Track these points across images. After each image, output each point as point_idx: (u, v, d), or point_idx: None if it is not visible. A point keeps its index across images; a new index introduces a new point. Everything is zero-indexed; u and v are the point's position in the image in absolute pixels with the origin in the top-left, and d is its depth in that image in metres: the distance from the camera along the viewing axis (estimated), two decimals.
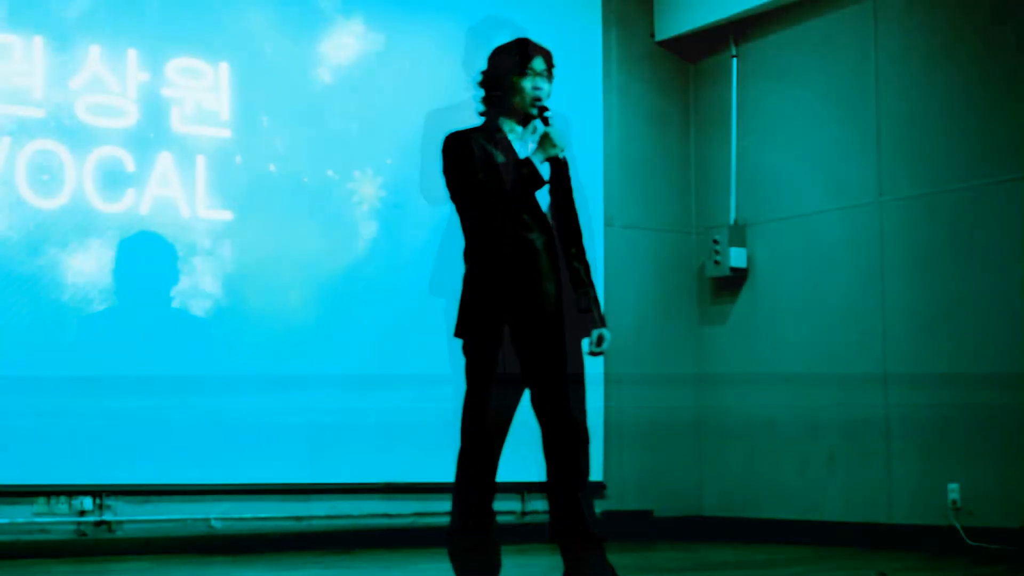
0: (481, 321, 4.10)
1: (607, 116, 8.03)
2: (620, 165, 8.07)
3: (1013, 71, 6.59)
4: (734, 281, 7.99)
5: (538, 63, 4.18)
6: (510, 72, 4.18)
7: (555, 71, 4.25)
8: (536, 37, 4.64)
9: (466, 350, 4.15)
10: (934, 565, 5.79)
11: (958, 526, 6.57)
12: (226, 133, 6.86)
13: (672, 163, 8.33)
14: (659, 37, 8.30)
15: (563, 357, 4.14)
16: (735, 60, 8.10)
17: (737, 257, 7.86)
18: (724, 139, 8.13)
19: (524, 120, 4.20)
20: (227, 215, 6.84)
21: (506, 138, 4.17)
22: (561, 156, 4.14)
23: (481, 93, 4.26)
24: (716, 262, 7.93)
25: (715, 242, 7.94)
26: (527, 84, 4.16)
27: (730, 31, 8.10)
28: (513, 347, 4.10)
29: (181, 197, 6.72)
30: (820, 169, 7.55)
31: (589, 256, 4.46)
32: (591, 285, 4.34)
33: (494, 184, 4.05)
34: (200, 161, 6.77)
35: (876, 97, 7.23)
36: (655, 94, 8.31)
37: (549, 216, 4.17)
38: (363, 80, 7.25)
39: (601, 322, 4.31)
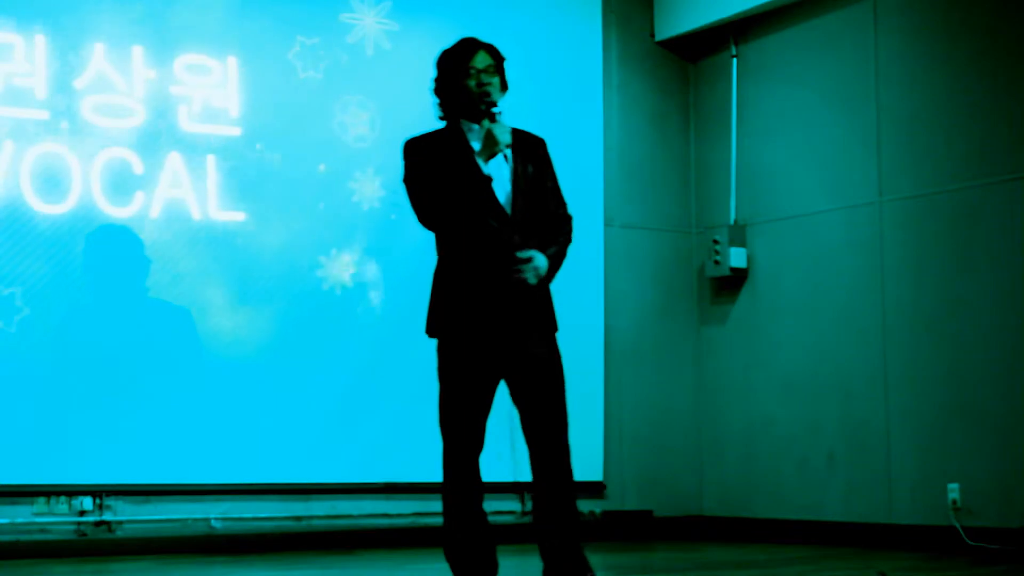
0: (452, 322, 4.10)
1: (607, 116, 8.02)
2: (620, 165, 8.06)
3: (1013, 71, 6.59)
4: (734, 281, 7.98)
5: (480, 60, 4.14)
6: (456, 75, 4.15)
7: (504, 63, 4.19)
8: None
9: (440, 350, 4.15)
10: (934, 565, 5.79)
11: (958, 526, 6.57)
12: (235, 132, 6.87)
13: (672, 163, 8.33)
14: (659, 37, 8.29)
15: (542, 353, 4.15)
16: (735, 60, 8.09)
17: (737, 257, 7.86)
18: (724, 139, 8.13)
19: (478, 118, 4.15)
20: (233, 215, 6.84)
21: (463, 138, 4.15)
22: (507, 152, 4.08)
23: (437, 100, 4.24)
24: (716, 262, 7.92)
25: (715, 242, 7.94)
26: (472, 83, 4.12)
27: (730, 31, 8.09)
28: (495, 345, 4.09)
29: (191, 198, 6.73)
30: (820, 169, 7.55)
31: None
32: (559, 242, 4.22)
33: (448, 185, 4.02)
34: (210, 161, 6.79)
35: (876, 97, 7.23)
36: (655, 94, 8.30)
37: (511, 206, 4.11)
38: (364, 79, 7.25)
39: (540, 248, 4.13)
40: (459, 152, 4.09)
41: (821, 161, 7.55)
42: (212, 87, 6.82)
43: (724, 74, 8.17)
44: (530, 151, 4.20)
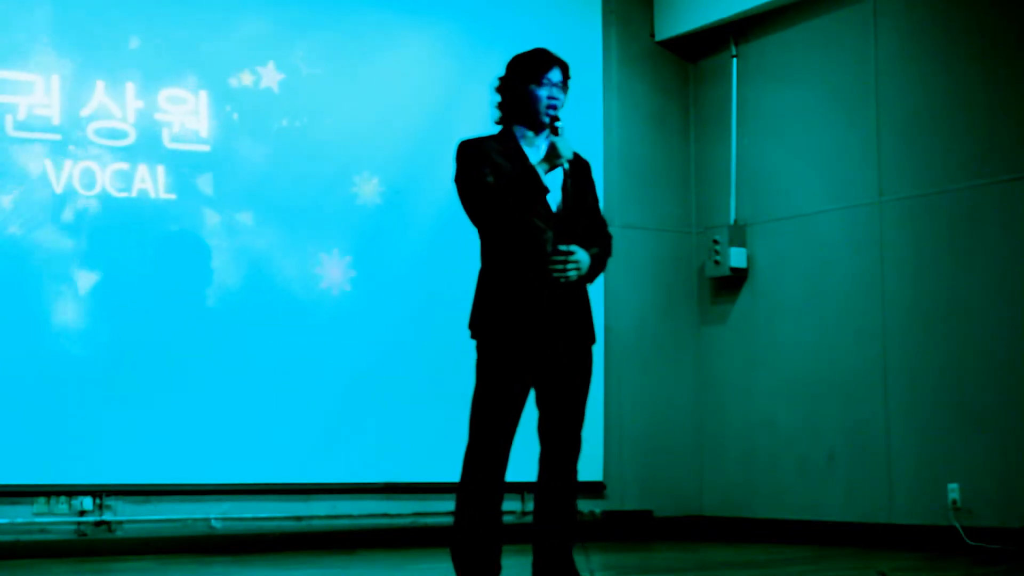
0: (497, 324, 4.13)
1: (607, 116, 8.03)
2: (620, 165, 8.06)
3: (1013, 71, 6.59)
4: (734, 281, 7.98)
5: (555, 74, 4.25)
6: (527, 81, 4.23)
7: (570, 82, 4.30)
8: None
9: (480, 349, 4.18)
10: (934, 565, 5.79)
11: (958, 526, 6.57)
12: (223, 135, 6.87)
13: (672, 163, 8.33)
14: (659, 37, 8.30)
15: (578, 360, 4.23)
16: (735, 60, 8.10)
17: (737, 257, 7.86)
18: (724, 139, 8.13)
19: (537, 128, 4.26)
20: (225, 216, 6.84)
21: (518, 145, 4.24)
22: (566, 166, 4.18)
23: (497, 99, 4.30)
24: (716, 262, 7.92)
25: (715, 242, 7.94)
26: (542, 93, 4.22)
27: (730, 31, 8.09)
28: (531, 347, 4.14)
29: (185, 202, 6.74)
30: (820, 169, 7.55)
31: None
32: (601, 246, 4.33)
33: (503, 189, 4.09)
34: (200, 163, 6.80)
35: (876, 97, 7.23)
36: (655, 94, 8.30)
37: (561, 217, 4.20)
38: (363, 80, 7.25)
39: (585, 247, 4.22)
40: (514, 158, 4.18)
41: (821, 161, 7.55)
42: (188, 113, 6.83)
43: (724, 74, 8.17)
44: (578, 170, 4.30)
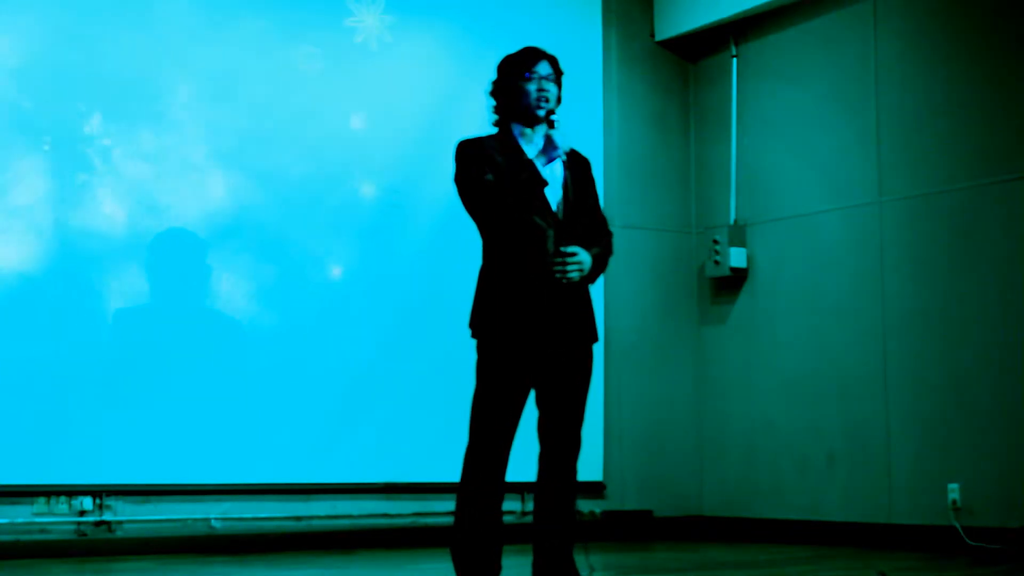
0: (497, 323, 4.13)
1: (607, 116, 8.03)
2: (620, 165, 8.06)
3: (1013, 71, 6.59)
4: (734, 281, 7.98)
5: (543, 67, 4.27)
6: (515, 77, 4.26)
7: (563, 78, 4.31)
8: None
9: (480, 349, 4.18)
10: (934, 565, 5.79)
11: (958, 526, 6.57)
12: (220, 133, 6.88)
13: (672, 163, 8.33)
14: (659, 37, 8.30)
15: (579, 360, 4.23)
16: (735, 60, 8.10)
17: (737, 257, 7.86)
18: (724, 139, 8.13)
19: (532, 123, 4.27)
20: (223, 216, 6.85)
21: (516, 142, 4.25)
22: (563, 157, 4.19)
23: (492, 102, 4.32)
24: (716, 262, 7.92)
25: (715, 242, 7.94)
26: (532, 87, 4.24)
27: (730, 31, 8.10)
28: (531, 347, 4.14)
29: (180, 202, 6.74)
30: (820, 169, 7.56)
31: None
32: (602, 245, 4.33)
33: (502, 186, 4.09)
34: (199, 163, 6.80)
35: (876, 97, 7.23)
36: (655, 94, 8.31)
37: (561, 213, 4.20)
38: (363, 80, 7.25)
39: (586, 247, 4.23)
40: (512, 155, 4.19)
41: (821, 161, 7.55)
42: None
43: (724, 74, 8.17)
44: (577, 166, 4.32)
